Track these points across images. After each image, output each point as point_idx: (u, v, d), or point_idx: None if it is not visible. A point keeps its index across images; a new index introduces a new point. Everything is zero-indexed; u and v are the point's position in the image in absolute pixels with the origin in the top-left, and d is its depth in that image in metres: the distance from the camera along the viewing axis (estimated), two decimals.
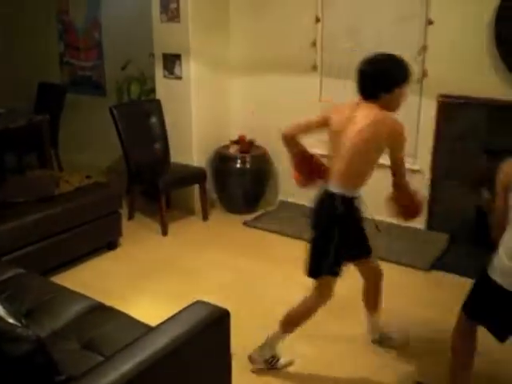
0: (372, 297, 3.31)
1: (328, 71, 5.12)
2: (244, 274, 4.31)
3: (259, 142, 5.50)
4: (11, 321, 1.93)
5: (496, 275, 2.43)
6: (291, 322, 3.07)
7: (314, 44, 5.10)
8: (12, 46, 7.43)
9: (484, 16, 4.36)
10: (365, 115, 2.82)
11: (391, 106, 2.87)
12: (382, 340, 3.41)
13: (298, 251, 4.61)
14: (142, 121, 5.29)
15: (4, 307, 2.02)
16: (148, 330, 2.22)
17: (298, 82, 5.26)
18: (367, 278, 3.27)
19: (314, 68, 5.11)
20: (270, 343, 3.13)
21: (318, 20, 5.04)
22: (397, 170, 2.94)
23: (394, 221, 5.12)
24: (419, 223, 4.97)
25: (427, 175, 4.88)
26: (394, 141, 2.85)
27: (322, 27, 5.06)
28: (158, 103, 5.37)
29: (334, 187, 2.89)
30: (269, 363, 3.15)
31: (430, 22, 4.59)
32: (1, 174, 5.48)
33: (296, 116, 3.17)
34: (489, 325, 2.54)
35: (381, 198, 5.16)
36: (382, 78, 2.83)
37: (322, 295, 3.01)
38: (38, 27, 7.19)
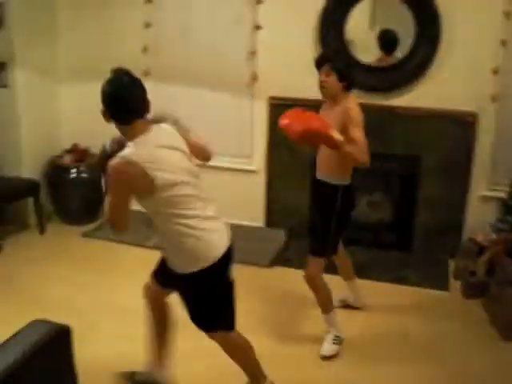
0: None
1: (161, 77, 5.11)
2: (86, 287, 4.17)
3: (95, 149, 5.34)
4: None
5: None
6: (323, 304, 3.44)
7: (145, 49, 5.06)
8: None
9: (309, 21, 4.61)
10: None
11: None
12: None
13: (138, 259, 4.59)
14: None
15: None
16: None
17: None
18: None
19: (147, 73, 5.06)
20: (330, 329, 3.46)
21: (148, 25, 5.01)
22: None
23: (233, 221, 5.27)
24: (259, 221, 5.13)
25: (263, 176, 5.05)
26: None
27: (153, 32, 5.05)
28: None
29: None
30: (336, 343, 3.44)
31: (258, 27, 4.75)
32: None
33: None
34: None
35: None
36: None
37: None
38: None
